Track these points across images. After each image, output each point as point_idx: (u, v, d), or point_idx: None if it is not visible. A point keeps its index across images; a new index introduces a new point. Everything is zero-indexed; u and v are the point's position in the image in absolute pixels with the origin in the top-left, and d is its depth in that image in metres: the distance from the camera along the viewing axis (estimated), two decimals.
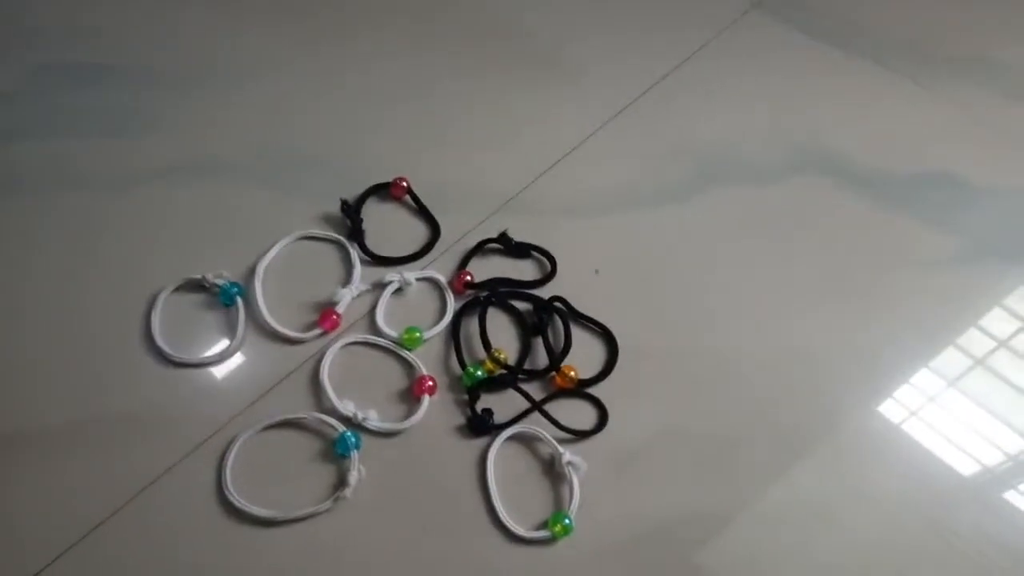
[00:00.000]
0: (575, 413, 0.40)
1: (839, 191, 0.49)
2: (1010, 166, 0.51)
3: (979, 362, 0.44)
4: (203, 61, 0.51)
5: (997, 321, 0.46)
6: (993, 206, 0.49)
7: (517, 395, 0.39)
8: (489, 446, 0.38)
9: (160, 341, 0.40)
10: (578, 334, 0.42)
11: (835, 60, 0.55)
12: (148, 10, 0.54)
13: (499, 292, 0.43)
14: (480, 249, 0.45)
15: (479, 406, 0.39)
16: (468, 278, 0.43)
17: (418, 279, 0.43)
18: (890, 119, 0.53)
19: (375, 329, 0.41)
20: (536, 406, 0.39)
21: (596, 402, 0.40)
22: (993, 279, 0.47)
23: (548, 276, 0.44)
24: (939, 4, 0.59)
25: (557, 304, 0.42)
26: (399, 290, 0.43)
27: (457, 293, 0.43)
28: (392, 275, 0.42)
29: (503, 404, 0.39)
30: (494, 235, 0.44)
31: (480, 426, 0.38)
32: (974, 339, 0.45)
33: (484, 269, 0.44)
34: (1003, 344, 0.45)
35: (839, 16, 0.58)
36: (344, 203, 0.45)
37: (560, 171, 0.48)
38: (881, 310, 0.45)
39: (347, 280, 0.43)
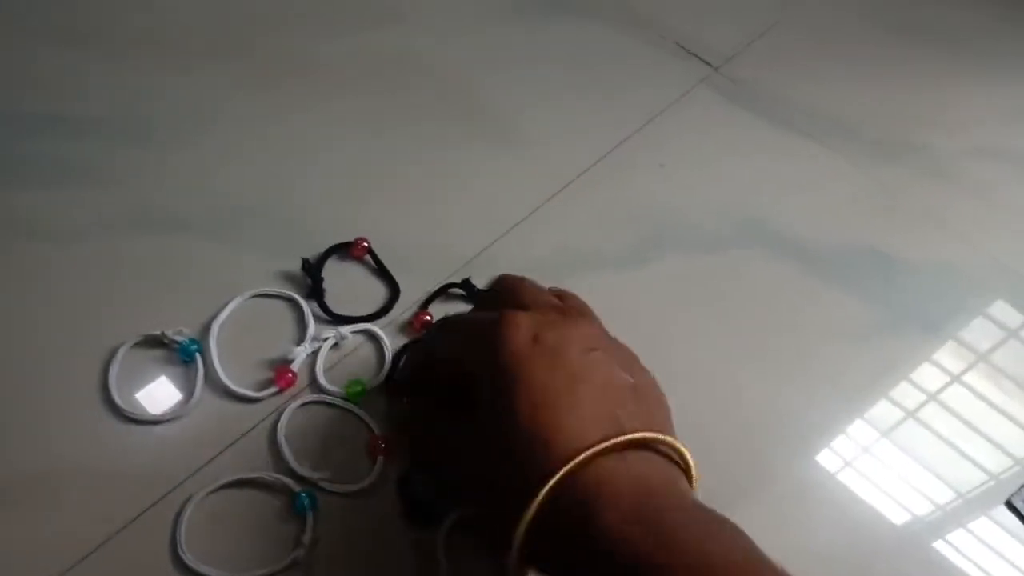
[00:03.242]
0: None
1: (774, 262, 0.54)
2: (930, 242, 0.57)
3: (910, 414, 0.49)
4: (160, 114, 0.54)
5: (926, 378, 0.51)
6: (915, 280, 0.55)
7: None
8: (438, 529, 0.40)
9: (117, 397, 0.41)
10: None
11: (775, 137, 0.61)
12: (100, 61, 0.56)
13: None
14: (442, 293, 0.48)
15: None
16: (427, 318, 0.46)
17: (353, 332, 0.46)
18: (823, 194, 0.59)
19: (319, 386, 0.44)
20: None
21: None
22: (916, 343, 0.52)
23: None
24: (872, 90, 0.66)
25: None
26: (336, 345, 0.45)
27: (415, 332, 0.46)
28: (328, 331, 0.45)
29: None
30: (449, 300, 0.48)
31: (417, 519, 0.40)
32: (906, 393, 0.50)
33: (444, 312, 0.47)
34: (932, 398, 0.50)
35: (781, 96, 0.64)
36: (305, 262, 0.47)
37: (518, 235, 0.52)
38: (814, 372, 0.50)
39: (302, 338, 0.45)
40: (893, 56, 0.69)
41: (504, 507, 0.29)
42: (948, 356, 0.52)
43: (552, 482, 0.28)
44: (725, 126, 0.61)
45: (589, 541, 0.27)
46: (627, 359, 0.36)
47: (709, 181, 0.58)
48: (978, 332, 0.54)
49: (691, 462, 0.31)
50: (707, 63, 0.64)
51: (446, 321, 0.41)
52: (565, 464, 0.28)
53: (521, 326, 0.32)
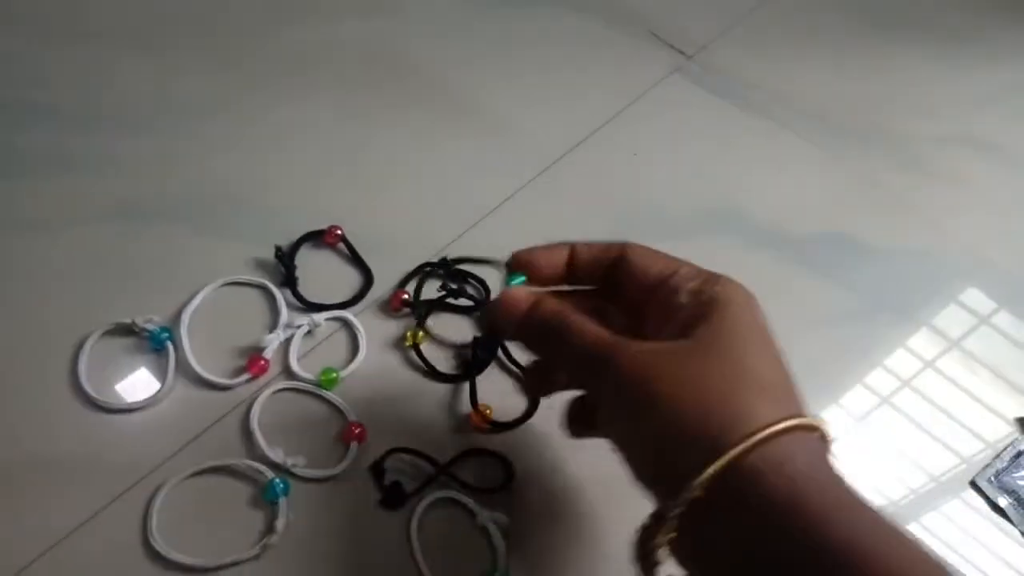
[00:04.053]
0: (493, 465, 0.43)
1: (744, 249, 0.55)
2: (903, 229, 0.58)
3: (884, 400, 0.50)
4: (136, 105, 0.54)
5: (900, 365, 0.52)
6: (887, 267, 0.56)
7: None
8: (411, 513, 0.40)
9: (87, 386, 0.41)
10: (502, 377, 0.46)
11: (746, 125, 0.62)
12: (83, 52, 0.56)
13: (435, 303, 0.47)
14: (419, 273, 0.49)
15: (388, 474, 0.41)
16: (405, 296, 0.47)
17: (327, 319, 0.46)
18: (797, 182, 0.59)
19: (292, 374, 0.44)
20: (441, 469, 0.42)
21: (499, 457, 0.43)
22: (888, 329, 0.53)
23: (483, 302, 0.48)
24: (846, 78, 0.67)
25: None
26: (309, 333, 0.45)
27: (394, 310, 0.47)
28: (301, 319, 0.45)
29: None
30: (426, 279, 0.48)
31: (392, 503, 0.41)
32: (880, 380, 0.51)
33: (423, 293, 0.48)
34: (906, 384, 0.51)
35: (755, 85, 0.64)
36: (278, 249, 0.47)
37: (491, 222, 0.52)
38: (789, 358, 0.50)
39: (274, 325, 0.45)
40: (868, 44, 0.70)
41: (676, 464, 0.28)
42: (922, 342, 0.53)
43: (740, 448, 0.26)
44: (699, 114, 0.62)
45: (772, 515, 0.26)
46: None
47: (682, 169, 0.58)
48: (951, 319, 0.54)
49: (830, 442, 0.31)
50: (681, 52, 0.65)
51: None
52: (740, 441, 0.27)
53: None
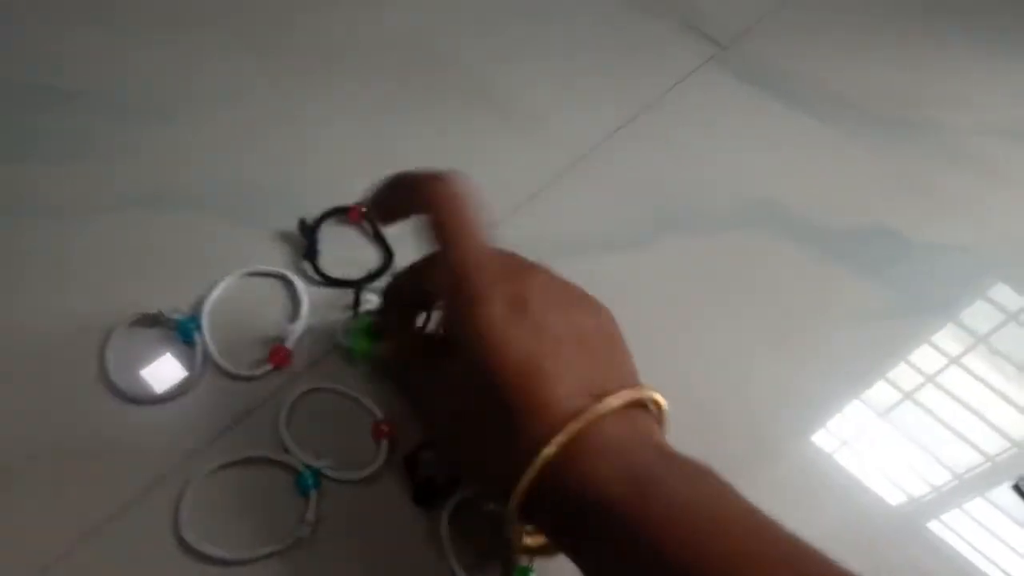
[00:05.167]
0: None
1: (780, 242, 0.55)
2: (936, 222, 0.58)
3: (907, 396, 0.50)
4: (160, 91, 0.54)
5: (925, 360, 0.52)
6: (924, 261, 0.56)
7: None
8: (442, 508, 0.41)
9: (115, 377, 0.42)
10: None
11: (783, 116, 0.62)
12: (105, 37, 0.56)
13: None
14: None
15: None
16: None
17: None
18: (831, 173, 0.59)
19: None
20: None
21: None
22: (920, 327, 0.53)
23: None
24: (882, 67, 0.67)
25: None
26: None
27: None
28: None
29: None
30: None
31: (423, 499, 0.41)
32: (904, 375, 0.51)
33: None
34: (930, 379, 0.52)
35: (790, 74, 0.64)
36: (302, 222, 0.48)
37: (521, 215, 0.52)
38: (817, 353, 0.51)
39: (295, 315, 0.46)
40: (906, 32, 0.70)
41: (497, 480, 0.32)
42: (948, 339, 0.53)
43: (546, 453, 0.29)
44: (734, 104, 0.61)
45: (583, 504, 0.29)
46: (581, 298, 0.36)
47: (717, 161, 0.58)
48: (979, 315, 0.55)
49: (664, 407, 0.34)
50: (716, 42, 0.65)
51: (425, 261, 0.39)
52: (557, 433, 0.29)
53: (495, 301, 0.32)
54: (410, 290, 0.40)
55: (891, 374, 0.51)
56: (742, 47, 0.65)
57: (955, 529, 0.47)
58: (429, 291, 0.38)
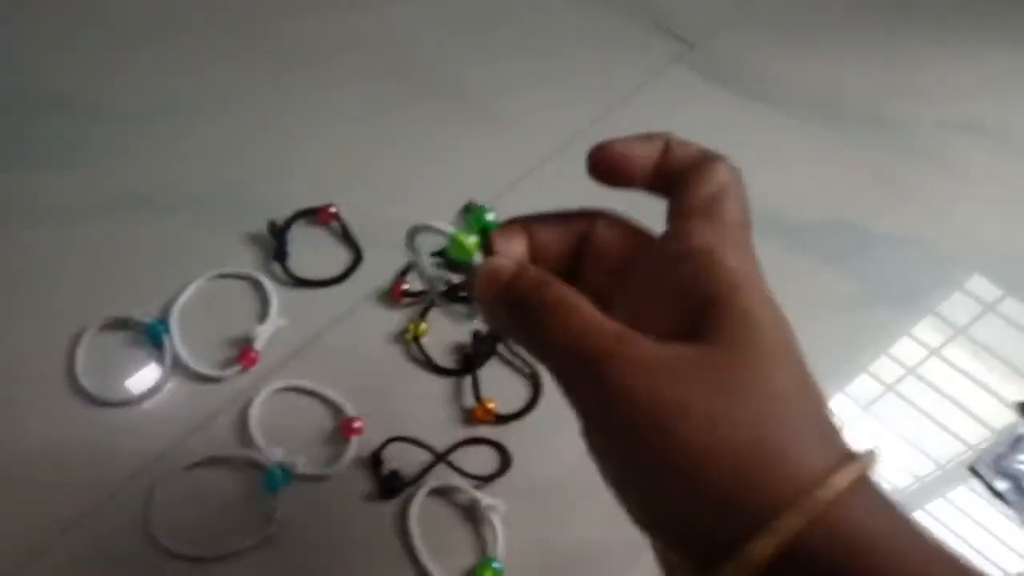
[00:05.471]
0: (490, 454, 0.43)
1: (754, 236, 0.55)
2: (908, 216, 0.58)
3: (889, 388, 0.51)
4: (137, 97, 0.55)
5: (902, 350, 0.52)
6: (884, 251, 0.56)
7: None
8: (408, 502, 0.41)
9: (84, 381, 0.42)
10: (501, 369, 0.46)
11: (748, 112, 0.62)
12: (93, 42, 0.57)
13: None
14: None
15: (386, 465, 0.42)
16: (405, 287, 0.47)
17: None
18: (797, 169, 0.60)
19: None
20: (440, 457, 0.42)
21: (496, 445, 0.44)
22: (890, 317, 0.53)
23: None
24: (851, 64, 0.67)
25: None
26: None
27: (395, 301, 0.47)
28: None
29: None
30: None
31: (389, 491, 0.41)
32: (882, 367, 0.51)
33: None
34: (911, 371, 0.52)
35: (755, 72, 0.65)
36: (271, 224, 0.48)
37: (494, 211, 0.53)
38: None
39: (264, 316, 0.46)
40: (871, 30, 0.70)
41: (702, 555, 0.21)
42: (923, 329, 0.53)
43: (798, 518, 0.20)
44: (701, 102, 0.62)
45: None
46: None
47: None
48: (953, 306, 0.55)
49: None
50: (684, 40, 0.65)
51: None
52: (796, 507, 0.20)
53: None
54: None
55: (871, 366, 0.51)
56: (709, 46, 0.66)
57: (937, 517, 0.47)
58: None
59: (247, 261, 0.48)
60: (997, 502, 0.47)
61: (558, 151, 0.57)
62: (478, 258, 0.26)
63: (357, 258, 0.49)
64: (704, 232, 0.24)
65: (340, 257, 0.49)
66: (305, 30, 0.61)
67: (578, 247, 0.27)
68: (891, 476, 0.47)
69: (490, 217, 0.26)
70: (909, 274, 0.56)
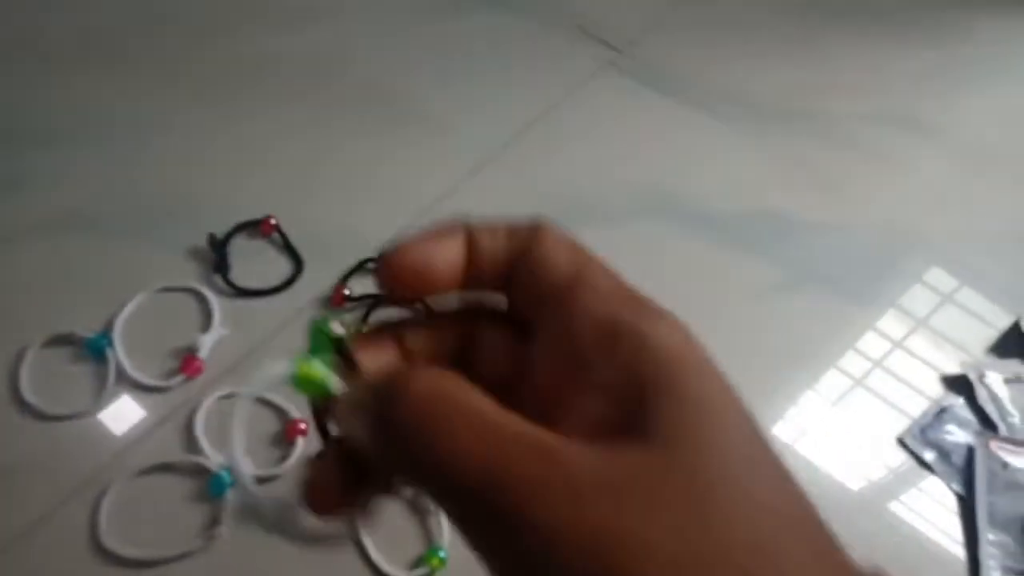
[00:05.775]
0: None
1: (680, 233, 0.58)
2: (828, 205, 0.61)
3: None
4: (74, 120, 0.56)
5: (833, 333, 0.55)
6: (814, 240, 0.59)
7: None
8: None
9: (29, 397, 0.43)
10: None
11: (677, 114, 0.65)
12: (16, 71, 0.58)
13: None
14: (360, 269, 0.50)
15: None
16: (346, 292, 0.49)
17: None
18: (726, 167, 0.62)
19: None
20: None
21: None
22: (820, 303, 0.56)
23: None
24: (777, 63, 0.70)
25: None
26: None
27: (335, 307, 0.49)
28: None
29: None
30: (367, 275, 0.50)
31: None
32: (818, 349, 0.53)
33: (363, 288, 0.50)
34: (850, 346, 0.54)
35: (682, 74, 0.67)
36: (211, 236, 0.50)
37: (428, 218, 0.54)
38: (726, 335, 0.53)
39: (207, 326, 0.47)
40: (796, 29, 0.74)
41: None
42: (855, 311, 0.56)
43: None
44: (630, 106, 0.65)
45: None
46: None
47: (616, 159, 0.61)
48: (883, 286, 0.57)
49: None
50: (611, 46, 0.68)
51: None
52: None
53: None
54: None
55: (800, 348, 0.53)
56: (636, 51, 0.68)
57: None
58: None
59: (189, 274, 0.49)
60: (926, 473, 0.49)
61: (492, 158, 0.59)
62: (335, 383, 0.20)
63: (298, 267, 0.50)
64: (596, 309, 0.19)
65: (282, 267, 0.51)
66: (238, 52, 0.62)
67: (460, 351, 0.21)
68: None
69: (338, 329, 0.20)
70: (834, 260, 0.58)
